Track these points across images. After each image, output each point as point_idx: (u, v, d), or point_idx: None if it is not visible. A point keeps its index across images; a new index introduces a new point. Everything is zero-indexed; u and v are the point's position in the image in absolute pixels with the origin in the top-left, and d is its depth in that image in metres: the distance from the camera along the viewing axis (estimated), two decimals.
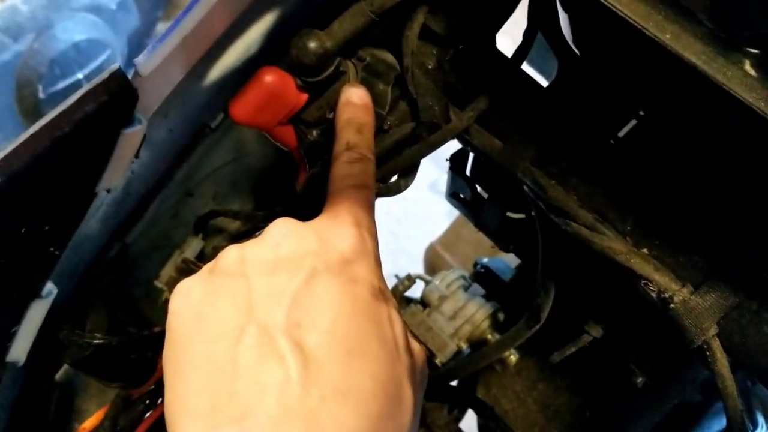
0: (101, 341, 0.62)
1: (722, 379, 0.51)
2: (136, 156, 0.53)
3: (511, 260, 1.03)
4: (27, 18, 1.86)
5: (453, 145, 0.76)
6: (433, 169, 2.75)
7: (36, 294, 0.54)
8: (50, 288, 0.55)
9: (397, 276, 1.06)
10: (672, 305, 0.52)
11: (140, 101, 0.47)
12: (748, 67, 0.39)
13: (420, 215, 2.71)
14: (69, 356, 0.64)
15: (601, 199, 0.57)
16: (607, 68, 0.57)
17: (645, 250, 0.54)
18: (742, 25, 0.39)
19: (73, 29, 1.96)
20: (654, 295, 0.53)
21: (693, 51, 0.40)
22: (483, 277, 1.02)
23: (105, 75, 0.42)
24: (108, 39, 2.10)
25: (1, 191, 0.40)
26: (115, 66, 0.43)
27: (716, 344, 0.51)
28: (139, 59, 0.44)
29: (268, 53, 0.63)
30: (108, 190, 0.53)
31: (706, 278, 0.52)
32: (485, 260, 1.02)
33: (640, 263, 0.53)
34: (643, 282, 0.53)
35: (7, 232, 0.45)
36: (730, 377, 0.51)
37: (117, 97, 0.44)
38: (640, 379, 0.65)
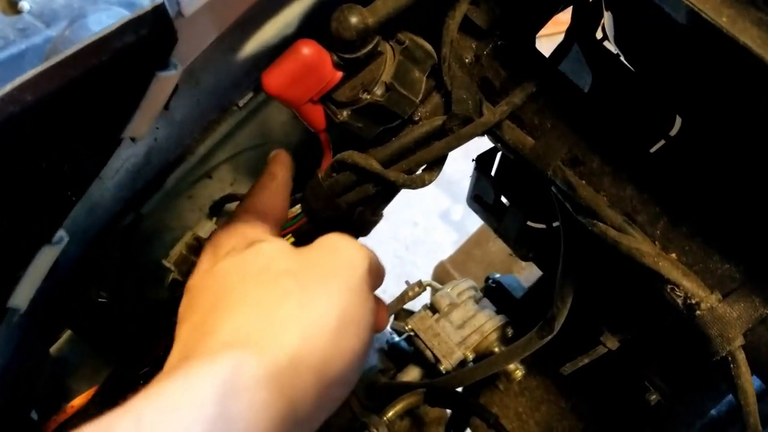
0: (103, 300, 0.61)
1: (744, 394, 0.50)
2: (166, 107, 0.52)
3: (524, 279, 1.02)
4: (62, 5, 1.87)
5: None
6: (446, 199, 2.74)
7: (47, 239, 0.52)
8: (61, 235, 0.54)
9: (407, 282, 1.04)
10: (698, 312, 0.50)
11: (178, 45, 0.46)
12: None
13: (428, 243, 2.70)
14: (68, 314, 0.63)
15: (632, 201, 0.55)
16: (652, 64, 0.56)
17: (674, 255, 0.53)
18: None
19: (105, 22, 1.94)
20: (680, 301, 0.51)
21: (749, 35, 0.38)
22: (494, 293, 1.00)
23: (148, 8, 0.41)
24: None
25: (26, 112, 0.39)
26: (159, 0, 0.42)
27: (741, 356, 0.49)
28: None
29: (306, 34, 0.63)
30: (133, 139, 0.52)
31: (736, 287, 0.50)
32: (497, 275, 1.01)
33: (668, 267, 0.51)
34: (669, 287, 0.51)
35: (27, 162, 0.43)
36: (753, 392, 0.49)
37: (157, 33, 0.43)
38: (653, 397, 0.63)
